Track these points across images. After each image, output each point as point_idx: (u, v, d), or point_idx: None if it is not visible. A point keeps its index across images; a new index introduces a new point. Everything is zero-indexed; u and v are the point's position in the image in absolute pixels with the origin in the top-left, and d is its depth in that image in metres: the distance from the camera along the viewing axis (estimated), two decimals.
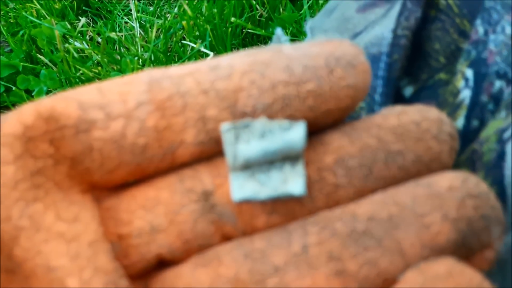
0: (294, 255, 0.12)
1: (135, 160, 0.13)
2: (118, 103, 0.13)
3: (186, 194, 0.13)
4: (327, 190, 0.13)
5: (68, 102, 0.12)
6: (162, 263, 0.13)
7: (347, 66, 0.13)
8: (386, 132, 0.13)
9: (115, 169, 0.13)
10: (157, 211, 0.13)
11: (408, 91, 0.21)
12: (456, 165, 0.18)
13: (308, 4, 0.77)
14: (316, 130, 0.14)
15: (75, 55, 0.74)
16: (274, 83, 0.13)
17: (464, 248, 0.13)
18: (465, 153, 0.19)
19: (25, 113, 0.12)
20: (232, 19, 0.74)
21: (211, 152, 0.13)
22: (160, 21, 0.81)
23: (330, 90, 0.13)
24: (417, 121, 0.14)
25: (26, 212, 0.12)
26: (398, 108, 0.14)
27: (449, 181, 0.13)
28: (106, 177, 0.13)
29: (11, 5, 0.86)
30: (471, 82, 0.20)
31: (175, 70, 0.13)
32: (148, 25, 0.81)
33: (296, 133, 0.13)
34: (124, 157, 0.13)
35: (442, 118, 0.14)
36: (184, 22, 0.76)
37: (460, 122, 0.19)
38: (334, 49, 0.13)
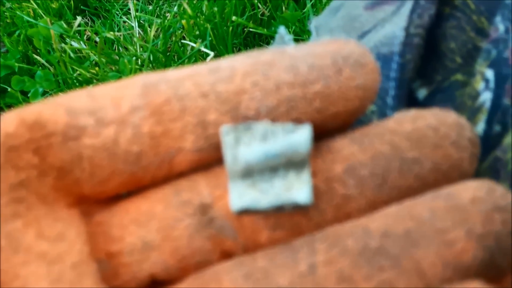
0: (301, 275, 0.11)
1: (128, 169, 0.12)
2: (110, 108, 0.12)
3: (181, 207, 0.12)
4: (336, 202, 0.12)
5: (55, 108, 0.12)
6: (156, 283, 0.12)
7: (355, 65, 0.13)
8: (400, 138, 0.13)
9: (106, 179, 0.12)
10: (150, 227, 0.12)
11: (422, 93, 0.20)
12: (477, 174, 0.17)
13: (311, 2, 0.76)
14: (324, 134, 0.13)
15: (72, 55, 0.73)
16: (278, 84, 0.12)
17: (492, 269, 0.12)
18: (487, 160, 0.18)
19: (7, 120, 0.12)
20: (233, 18, 0.73)
21: (211, 159, 0.12)
22: (160, 20, 0.80)
23: (338, 91, 0.12)
24: (434, 126, 0.13)
25: (3, 230, 0.11)
26: (413, 112, 0.13)
27: (472, 191, 0.12)
28: (97, 189, 0.12)
29: (8, 4, 0.85)
30: (491, 84, 0.19)
31: (173, 73, 0.12)
32: (147, 25, 0.80)
33: (301, 136, 0.12)
34: (117, 166, 0.12)
35: (461, 122, 0.13)
36: (183, 21, 0.75)
37: (480, 127, 0.18)
38: (340, 48, 0.13)
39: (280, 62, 0.12)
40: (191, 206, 0.12)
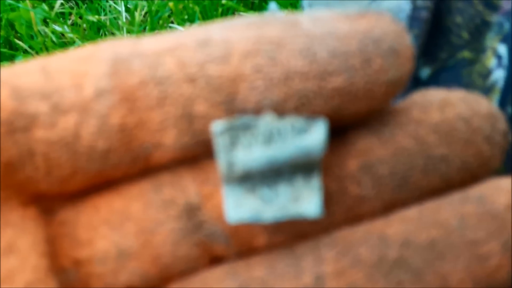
0: None
1: (94, 167, 0.10)
2: (70, 90, 0.10)
3: (163, 208, 0.10)
4: (348, 204, 0.11)
5: None
6: None
7: (389, 53, 0.10)
8: (427, 130, 0.11)
9: (67, 178, 0.10)
10: (125, 230, 0.10)
11: (425, 73, 0.19)
12: None
13: None
14: (336, 128, 0.11)
15: (54, 39, 0.71)
16: (288, 74, 0.10)
17: None
18: None
19: None
20: (223, 0, 0.71)
21: (198, 155, 0.11)
22: (147, 4, 0.78)
23: (364, 88, 0.10)
24: (465, 116, 0.11)
25: None
26: (438, 95, 0.11)
27: (507, 195, 0.11)
28: (56, 187, 0.10)
29: None
30: (505, 61, 0.18)
31: (151, 44, 0.10)
32: (134, 9, 0.78)
33: (315, 138, 0.10)
34: (79, 164, 0.10)
35: (494, 112, 0.11)
36: (171, 4, 0.74)
37: None
38: (370, 26, 0.10)
39: (292, 42, 0.10)
40: (175, 207, 0.11)
